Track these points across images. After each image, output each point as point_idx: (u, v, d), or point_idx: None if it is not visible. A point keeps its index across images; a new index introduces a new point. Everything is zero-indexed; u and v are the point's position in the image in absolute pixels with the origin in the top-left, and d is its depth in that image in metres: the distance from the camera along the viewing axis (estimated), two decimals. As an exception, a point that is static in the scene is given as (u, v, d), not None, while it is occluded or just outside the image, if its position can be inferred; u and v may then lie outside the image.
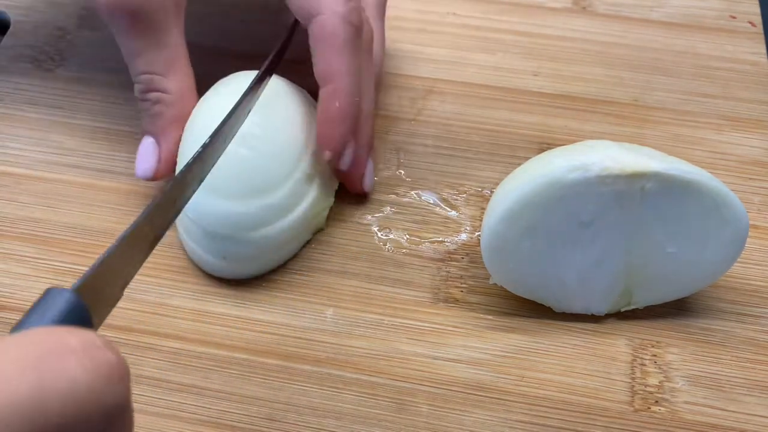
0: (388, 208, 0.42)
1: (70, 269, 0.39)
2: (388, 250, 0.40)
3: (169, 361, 0.36)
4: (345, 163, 0.38)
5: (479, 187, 0.42)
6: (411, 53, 0.48)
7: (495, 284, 0.37)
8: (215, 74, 0.40)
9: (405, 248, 0.40)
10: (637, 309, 0.38)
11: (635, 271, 0.36)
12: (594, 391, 0.36)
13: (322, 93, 0.37)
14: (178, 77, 0.38)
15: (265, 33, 0.41)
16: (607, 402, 0.35)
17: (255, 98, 0.36)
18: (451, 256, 0.40)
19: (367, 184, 0.41)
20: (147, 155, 0.38)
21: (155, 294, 0.38)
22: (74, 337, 0.21)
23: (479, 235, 0.39)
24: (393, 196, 0.42)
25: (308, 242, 0.40)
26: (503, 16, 0.50)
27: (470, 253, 0.40)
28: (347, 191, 0.41)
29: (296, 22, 0.40)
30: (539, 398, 0.35)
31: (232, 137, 0.34)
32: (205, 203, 0.36)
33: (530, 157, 0.37)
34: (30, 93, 0.46)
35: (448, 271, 0.39)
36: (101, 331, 0.24)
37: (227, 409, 0.35)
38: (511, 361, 0.36)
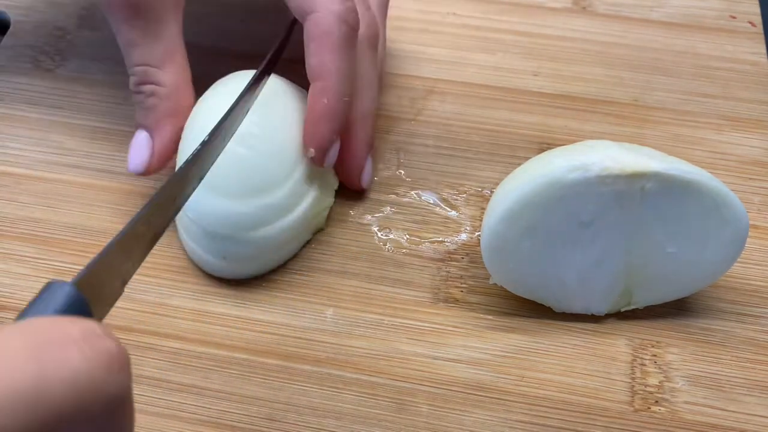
0: (388, 208, 0.42)
1: (70, 269, 0.39)
2: (388, 250, 0.40)
3: (169, 361, 0.36)
4: (329, 161, 0.38)
5: (479, 187, 0.42)
6: (411, 53, 0.48)
7: (495, 284, 0.37)
8: (215, 74, 0.40)
9: (405, 248, 0.40)
10: (637, 309, 0.38)
11: (635, 271, 0.36)
12: (594, 391, 0.36)
13: (312, 90, 0.37)
14: (173, 70, 0.38)
15: (265, 33, 0.41)
16: (607, 402, 0.35)
17: (254, 97, 0.36)
18: (451, 256, 0.40)
19: (365, 180, 0.41)
20: (139, 149, 0.38)
21: (155, 294, 0.38)
22: (75, 326, 0.21)
23: (479, 235, 0.39)
24: (393, 196, 0.42)
25: (308, 242, 0.40)
26: (503, 16, 0.50)
27: (470, 253, 0.40)
28: (347, 191, 0.41)
29: (295, 21, 0.40)
30: (539, 398, 0.35)
31: (232, 135, 0.34)
32: (205, 203, 0.36)
33: (530, 157, 0.37)
34: (30, 93, 0.46)
35: (448, 271, 0.39)
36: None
37: (227, 409, 0.35)
38: (511, 361, 0.36)
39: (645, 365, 0.36)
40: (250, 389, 0.35)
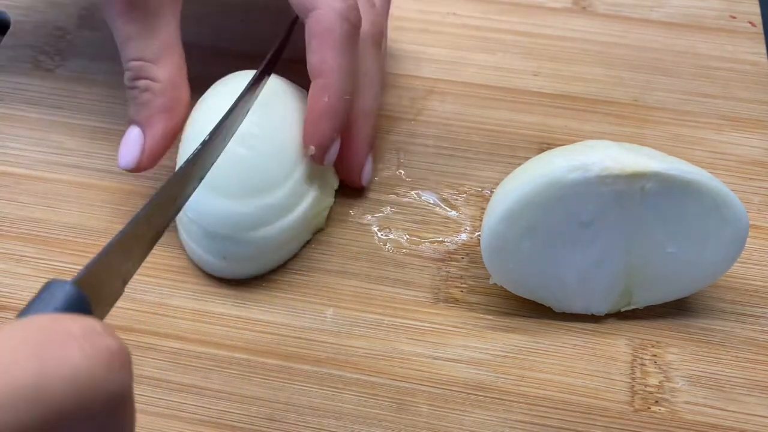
0: (388, 208, 0.42)
1: (70, 269, 0.39)
2: (388, 250, 0.40)
3: (169, 361, 0.36)
4: (329, 160, 0.38)
5: (479, 187, 0.42)
6: (411, 53, 0.48)
7: (495, 284, 0.37)
8: (215, 74, 0.40)
9: (405, 248, 0.40)
10: (637, 309, 0.38)
11: (635, 271, 0.36)
12: (594, 391, 0.36)
13: (312, 87, 0.37)
14: (168, 66, 0.37)
15: (265, 33, 0.41)
16: (607, 402, 0.35)
17: (254, 96, 0.36)
18: (451, 256, 0.40)
19: (365, 178, 0.41)
20: (131, 145, 0.37)
21: (155, 294, 0.38)
22: (75, 323, 0.21)
23: (479, 235, 0.39)
24: (393, 196, 0.42)
25: (308, 242, 0.40)
26: (503, 16, 0.50)
27: (470, 253, 0.40)
28: (347, 191, 0.41)
29: (295, 20, 0.40)
30: (539, 398, 0.35)
31: (233, 135, 0.34)
32: (205, 203, 0.36)
33: (530, 157, 0.37)
34: (30, 93, 0.46)
35: (448, 271, 0.39)
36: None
37: (227, 409, 0.35)
38: (511, 361, 0.36)
39: (645, 365, 0.36)
40: (250, 389, 0.35)
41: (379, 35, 0.40)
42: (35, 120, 0.45)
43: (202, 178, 0.31)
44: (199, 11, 0.47)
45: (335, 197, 0.41)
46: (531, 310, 0.38)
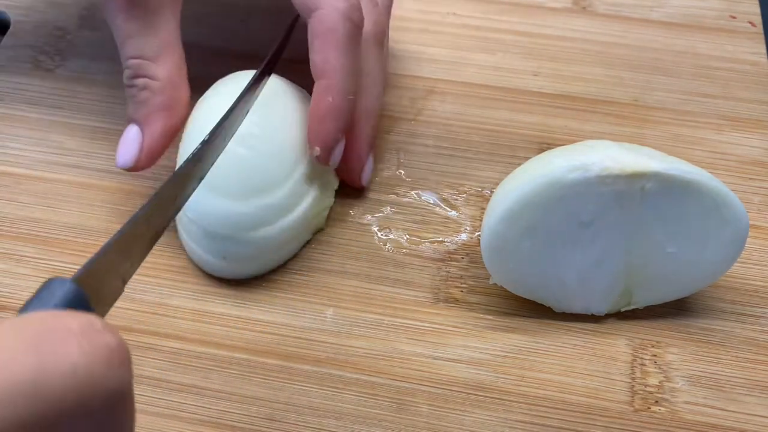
0: (388, 208, 0.42)
1: (70, 269, 0.39)
2: (388, 250, 0.40)
3: (169, 361, 0.36)
4: (334, 160, 0.38)
5: (479, 187, 0.42)
6: (411, 53, 0.48)
7: (495, 284, 0.37)
8: (215, 74, 0.40)
9: (405, 248, 0.40)
10: (637, 309, 0.38)
11: (635, 271, 0.36)
12: (594, 391, 0.36)
13: (316, 88, 0.37)
14: (168, 64, 0.37)
15: (265, 33, 0.41)
16: (607, 402, 0.35)
17: (255, 96, 0.36)
18: (451, 256, 0.40)
19: (365, 178, 0.41)
20: (129, 144, 0.37)
21: (155, 294, 0.38)
22: (75, 320, 0.21)
23: (479, 235, 0.39)
24: (393, 196, 0.42)
25: (308, 242, 0.40)
26: (503, 16, 0.50)
27: (470, 253, 0.40)
28: (347, 191, 0.41)
29: (295, 20, 0.40)
30: (539, 398, 0.35)
31: (233, 134, 0.34)
32: (205, 203, 0.36)
33: (530, 157, 0.37)
34: (30, 93, 0.46)
35: (448, 271, 0.39)
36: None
37: (227, 409, 0.35)
38: (511, 361, 0.36)
39: (645, 365, 0.36)
40: (250, 389, 0.35)
41: (382, 35, 0.40)
42: (35, 120, 0.45)
43: (202, 178, 0.31)
44: (199, 11, 0.47)
45: (335, 197, 0.41)
46: (531, 310, 0.38)
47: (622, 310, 0.38)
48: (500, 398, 0.35)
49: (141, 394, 0.35)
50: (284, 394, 0.35)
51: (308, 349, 0.37)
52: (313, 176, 0.38)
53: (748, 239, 0.35)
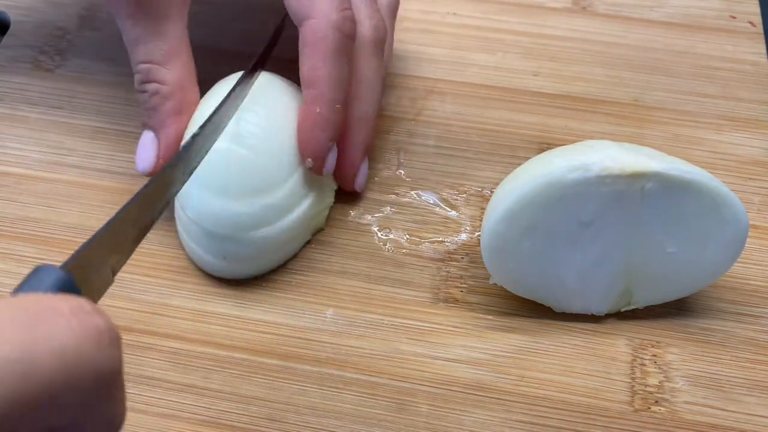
0: (388, 208, 0.42)
1: (70, 269, 0.39)
2: (388, 250, 0.40)
3: (169, 361, 0.36)
4: (327, 169, 0.38)
5: (479, 187, 0.42)
6: (411, 53, 0.48)
7: (495, 284, 0.37)
8: (215, 74, 0.40)
9: (405, 248, 0.40)
10: (637, 309, 0.38)
11: (635, 271, 0.36)
12: (594, 391, 0.36)
13: (305, 99, 0.37)
14: (177, 68, 0.38)
15: (265, 33, 0.41)
16: (607, 402, 0.35)
17: (246, 89, 0.36)
18: (451, 256, 0.40)
19: (359, 184, 0.41)
20: (146, 149, 0.38)
21: (155, 294, 0.38)
22: (64, 301, 0.21)
23: (479, 235, 0.39)
24: (393, 196, 0.42)
25: (308, 242, 0.40)
26: (503, 16, 0.50)
27: (470, 253, 0.40)
28: (347, 191, 0.41)
29: (284, 18, 0.40)
30: (539, 398, 0.35)
31: (223, 129, 0.34)
32: (205, 203, 0.36)
33: (530, 157, 0.37)
34: (30, 93, 0.46)
35: (448, 271, 0.39)
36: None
37: (227, 409, 0.35)
38: (511, 361, 0.36)
39: (645, 365, 0.36)
40: (250, 389, 0.35)
41: (381, 41, 0.40)
42: (35, 120, 0.45)
43: (191, 172, 0.31)
44: (200, 12, 0.47)
45: (335, 197, 0.41)
46: (531, 310, 0.38)
47: (622, 310, 0.38)
48: (500, 398, 0.35)
49: (141, 394, 0.35)
50: (284, 394, 0.35)
51: (308, 349, 0.37)
52: (313, 177, 0.38)
53: (748, 239, 0.35)
